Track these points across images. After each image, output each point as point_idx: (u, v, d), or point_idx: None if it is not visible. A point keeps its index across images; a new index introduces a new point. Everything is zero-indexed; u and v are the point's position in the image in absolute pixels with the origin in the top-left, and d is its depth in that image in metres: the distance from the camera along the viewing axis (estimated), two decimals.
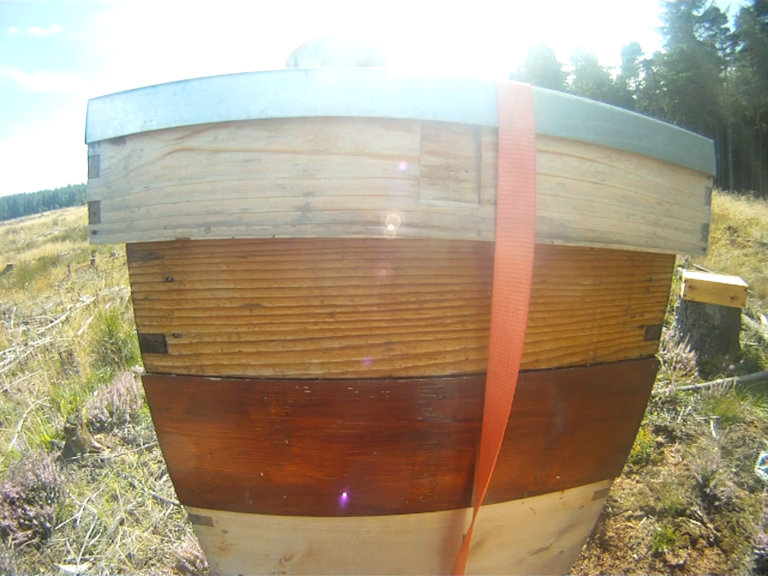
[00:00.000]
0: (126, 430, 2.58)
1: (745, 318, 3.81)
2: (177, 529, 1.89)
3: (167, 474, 2.13)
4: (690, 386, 2.75)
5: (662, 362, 2.98)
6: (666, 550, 1.68)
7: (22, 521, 1.87)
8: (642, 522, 1.82)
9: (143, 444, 2.48)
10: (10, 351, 4.31)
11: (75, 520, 1.94)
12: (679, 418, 2.45)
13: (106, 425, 2.60)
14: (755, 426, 2.39)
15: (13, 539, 1.80)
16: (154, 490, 2.12)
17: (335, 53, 1.06)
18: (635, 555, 1.69)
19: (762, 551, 1.56)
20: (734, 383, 2.70)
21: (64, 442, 2.38)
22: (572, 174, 0.64)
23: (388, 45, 1.09)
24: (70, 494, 2.08)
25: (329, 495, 0.72)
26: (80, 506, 2.01)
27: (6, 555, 1.67)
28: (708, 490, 1.89)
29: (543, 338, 0.71)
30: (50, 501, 1.96)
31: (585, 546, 1.70)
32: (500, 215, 0.60)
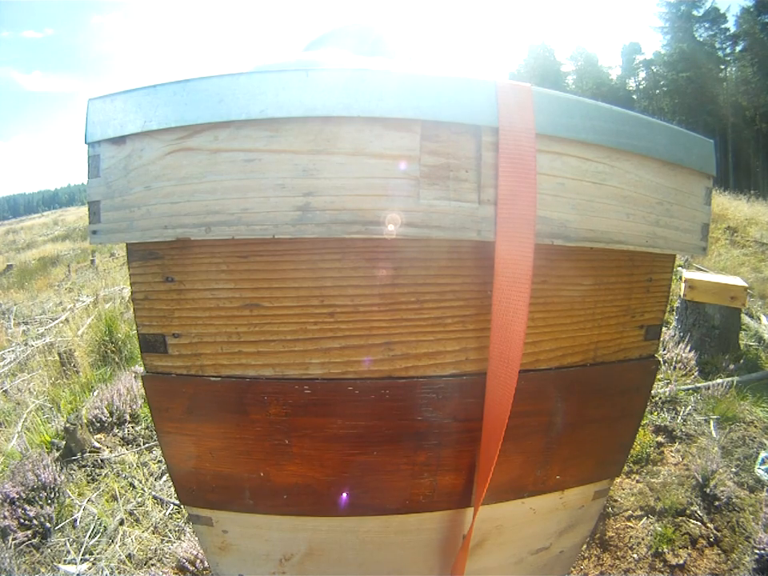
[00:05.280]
0: (126, 430, 2.58)
1: (745, 318, 3.81)
2: (177, 529, 1.89)
3: (167, 474, 2.13)
4: (690, 386, 2.75)
5: (661, 362, 2.98)
6: (665, 550, 1.68)
7: (22, 521, 1.86)
8: (642, 521, 1.82)
9: (143, 444, 2.48)
10: (9, 351, 4.31)
11: (75, 520, 1.94)
12: (679, 417, 2.45)
13: (106, 425, 2.59)
14: (755, 426, 2.39)
15: (13, 539, 1.80)
16: (154, 490, 2.12)
17: (341, 45, 1.06)
18: (635, 555, 1.69)
19: (762, 551, 1.56)
20: (734, 383, 2.70)
21: (64, 442, 2.38)
22: (572, 174, 0.64)
23: (394, 36, 1.09)
24: (70, 494, 2.08)
25: (329, 495, 0.72)
26: (80, 506, 2.01)
27: (6, 555, 1.67)
28: (708, 490, 1.89)
29: (543, 338, 0.71)
30: (50, 501, 1.96)
31: (585, 546, 1.70)
32: (500, 215, 0.60)
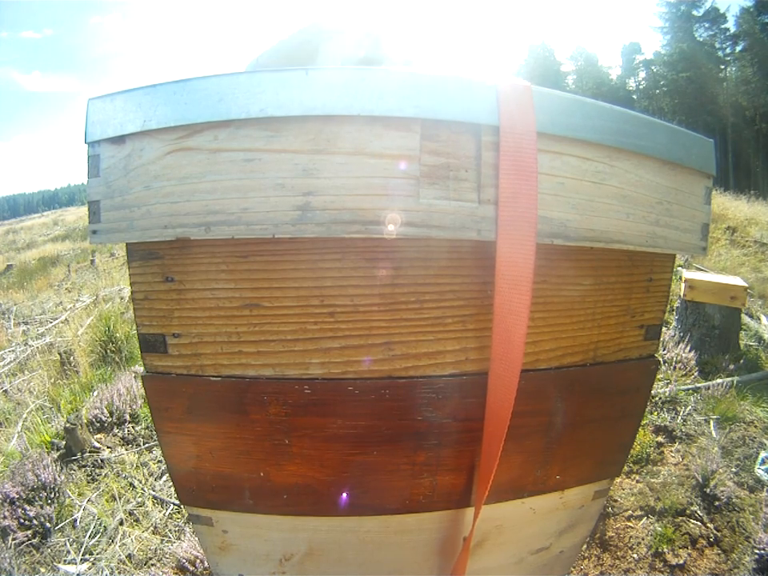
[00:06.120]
0: (126, 430, 2.58)
1: (745, 318, 3.81)
2: (177, 529, 1.89)
3: (167, 474, 2.13)
4: (690, 386, 2.75)
5: (661, 362, 2.98)
6: (666, 550, 1.68)
7: (22, 521, 1.86)
8: (642, 521, 1.82)
9: (143, 444, 2.48)
10: (9, 351, 4.31)
11: (75, 520, 1.94)
12: (679, 417, 2.45)
13: (106, 425, 2.59)
14: (755, 426, 2.39)
15: (13, 539, 1.80)
16: (154, 490, 2.11)
17: (338, 46, 1.05)
18: (635, 555, 1.69)
19: (762, 551, 1.56)
20: (734, 383, 2.70)
21: (64, 442, 2.38)
22: (572, 174, 0.64)
23: (391, 37, 1.09)
24: (70, 494, 2.08)
25: (329, 495, 0.72)
26: (80, 506, 2.01)
27: (6, 555, 1.67)
28: (708, 490, 1.89)
29: (543, 338, 0.71)
30: (50, 501, 1.96)
31: (585, 546, 1.70)
32: (501, 215, 0.60)
